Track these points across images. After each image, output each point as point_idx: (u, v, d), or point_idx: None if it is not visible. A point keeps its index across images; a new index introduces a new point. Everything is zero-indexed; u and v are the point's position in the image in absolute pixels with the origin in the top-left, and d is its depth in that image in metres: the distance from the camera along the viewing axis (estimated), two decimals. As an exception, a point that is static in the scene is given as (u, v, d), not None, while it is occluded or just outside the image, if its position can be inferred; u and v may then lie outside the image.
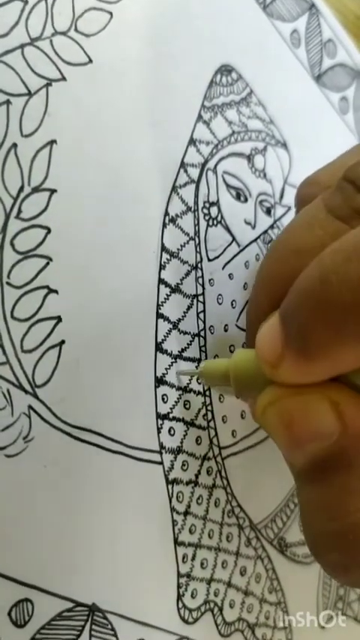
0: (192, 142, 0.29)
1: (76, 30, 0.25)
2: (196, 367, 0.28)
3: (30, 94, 0.24)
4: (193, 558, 0.28)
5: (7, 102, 0.23)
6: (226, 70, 0.31)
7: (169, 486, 0.27)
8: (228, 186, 0.30)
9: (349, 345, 0.19)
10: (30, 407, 0.23)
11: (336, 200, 0.22)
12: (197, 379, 0.28)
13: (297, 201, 0.27)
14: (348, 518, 0.20)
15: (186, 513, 0.28)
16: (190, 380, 0.28)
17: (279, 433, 0.21)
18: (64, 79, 0.25)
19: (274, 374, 0.21)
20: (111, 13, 0.26)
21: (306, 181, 0.27)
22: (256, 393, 0.22)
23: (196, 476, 0.28)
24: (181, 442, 0.28)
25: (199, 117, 0.29)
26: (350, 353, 0.19)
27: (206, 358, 0.29)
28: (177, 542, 0.27)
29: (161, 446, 0.27)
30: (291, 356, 0.20)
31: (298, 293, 0.20)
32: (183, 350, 0.28)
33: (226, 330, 0.30)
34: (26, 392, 0.23)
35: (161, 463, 0.27)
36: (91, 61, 0.26)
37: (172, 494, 0.27)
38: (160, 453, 0.27)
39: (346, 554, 0.21)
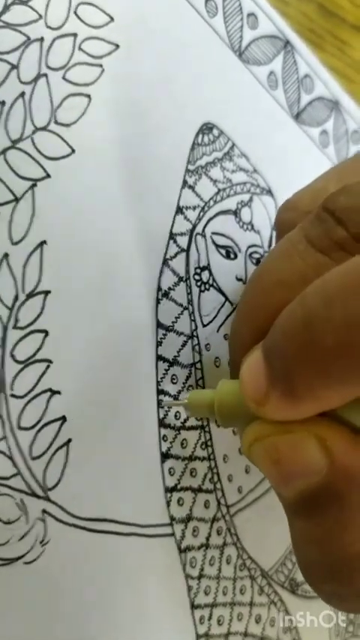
0: (179, 210, 0.29)
1: (56, 122, 0.25)
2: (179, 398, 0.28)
3: (17, 200, 0.24)
4: (210, 618, 0.29)
5: (-5, 212, 0.23)
6: (207, 128, 0.30)
7: (182, 555, 0.28)
8: (217, 246, 0.30)
9: (334, 386, 0.19)
10: (44, 511, 0.24)
11: (315, 231, 0.22)
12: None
13: (276, 227, 0.27)
14: (341, 551, 0.21)
15: (200, 577, 0.29)
16: (194, 447, 0.29)
17: (267, 468, 0.22)
18: (48, 176, 0.25)
19: (261, 411, 0.21)
20: (89, 96, 0.26)
21: (284, 206, 0.27)
22: (242, 424, 0.22)
23: (207, 539, 0.29)
24: (190, 509, 0.28)
25: (184, 183, 0.29)
26: (336, 393, 0.19)
27: (209, 428, 0.29)
28: (193, 606, 0.28)
29: (171, 518, 0.28)
30: (276, 395, 0.20)
31: (281, 333, 0.20)
32: (185, 420, 0.28)
33: (225, 391, 0.30)
34: (39, 497, 0.24)
35: (173, 534, 0.28)
36: (73, 151, 0.25)
37: (186, 561, 0.28)
38: (171, 525, 0.28)
39: (341, 585, 0.21)
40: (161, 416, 0.28)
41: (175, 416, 0.28)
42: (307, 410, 0.20)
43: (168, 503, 0.28)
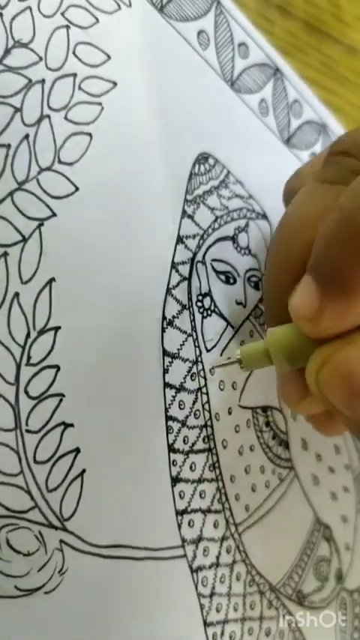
0: (179, 240, 0.30)
1: (59, 162, 0.26)
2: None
3: (25, 240, 0.24)
4: (222, 634, 0.30)
5: (5, 254, 0.24)
6: (203, 158, 0.31)
7: (194, 575, 0.29)
8: (217, 272, 0.31)
9: None
10: (61, 541, 0.24)
11: (328, 171, 0.24)
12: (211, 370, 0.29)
13: (285, 196, 0.29)
14: None
15: (211, 595, 0.30)
16: (203, 469, 0.29)
17: (338, 389, 0.22)
18: (54, 215, 0.25)
19: (318, 330, 0.22)
20: (90, 134, 0.27)
21: (291, 178, 0.29)
22: (301, 363, 0.23)
23: (217, 557, 0.30)
24: (201, 530, 0.29)
25: (184, 212, 0.30)
26: None
27: (216, 450, 0.30)
28: (206, 624, 0.29)
29: (183, 540, 0.28)
30: (330, 302, 0.21)
31: (325, 240, 0.21)
32: (193, 444, 0.29)
33: (230, 413, 0.31)
34: (56, 528, 0.24)
35: (185, 556, 0.28)
36: (77, 188, 0.26)
37: (198, 581, 0.29)
38: (183, 547, 0.28)
39: None
40: (170, 441, 0.28)
41: (184, 440, 0.29)
42: None
43: (179, 526, 0.28)
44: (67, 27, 0.27)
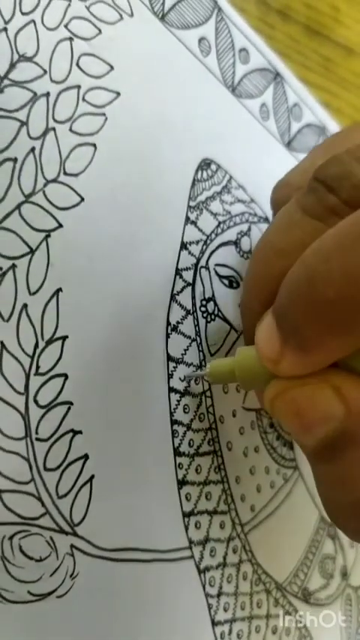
0: (183, 246, 0.30)
1: (65, 173, 0.26)
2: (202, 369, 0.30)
3: (32, 251, 0.25)
4: (230, 633, 0.30)
5: (13, 266, 0.24)
6: (205, 164, 0.32)
7: (202, 575, 0.29)
8: (220, 277, 0.32)
9: (341, 336, 0.21)
10: (72, 546, 0.25)
11: (309, 201, 0.23)
12: (195, 380, 0.30)
13: (272, 205, 0.29)
14: None
15: (219, 595, 0.30)
16: (208, 471, 0.30)
17: (289, 421, 0.23)
18: (60, 226, 0.26)
19: (277, 369, 0.23)
20: (94, 145, 0.27)
21: (278, 184, 0.29)
22: (262, 385, 0.24)
23: (224, 558, 0.31)
24: (207, 531, 0.30)
25: (187, 219, 0.30)
26: (343, 343, 0.21)
27: (221, 452, 0.31)
28: (214, 623, 0.30)
29: (190, 541, 0.29)
30: (290, 352, 0.22)
31: (287, 294, 0.22)
32: (198, 447, 0.30)
33: (234, 416, 0.32)
34: (67, 533, 0.25)
35: (192, 557, 0.29)
36: (82, 199, 0.27)
37: (205, 581, 0.29)
38: (190, 548, 0.29)
39: None
40: (176, 445, 0.29)
41: (189, 444, 0.29)
42: (319, 361, 0.22)
43: (186, 528, 0.29)
44: (71, 39, 0.27)
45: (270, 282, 0.24)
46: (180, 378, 0.29)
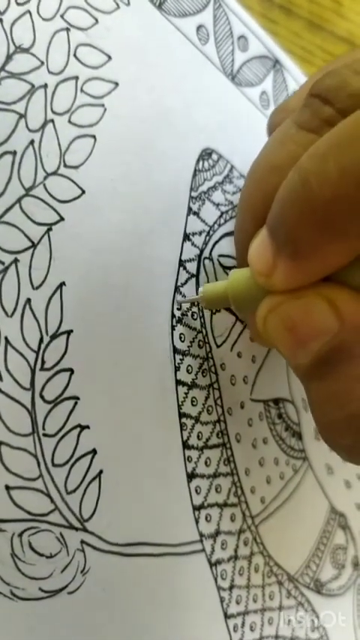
0: (186, 237, 0.30)
1: (65, 165, 0.26)
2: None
3: (34, 245, 0.25)
4: (243, 625, 0.30)
5: (15, 260, 0.24)
6: (206, 154, 0.31)
7: (213, 568, 0.29)
8: (224, 268, 0.31)
9: (335, 241, 0.20)
10: (82, 541, 0.25)
11: (304, 115, 0.23)
12: (196, 305, 0.30)
13: (268, 130, 0.29)
14: (353, 404, 0.23)
15: (231, 588, 0.30)
16: (218, 464, 0.30)
17: (282, 338, 0.23)
18: (62, 219, 0.25)
19: (269, 283, 0.22)
20: (94, 136, 0.27)
21: (276, 110, 0.28)
22: (255, 306, 0.23)
23: (235, 550, 0.30)
24: (218, 524, 0.30)
25: (189, 210, 0.30)
26: (338, 249, 0.21)
27: (230, 445, 0.30)
28: (227, 616, 0.30)
29: (201, 534, 0.29)
30: (283, 262, 0.22)
31: (281, 201, 0.21)
32: (207, 440, 0.30)
33: (242, 407, 0.31)
34: (77, 529, 0.25)
35: (203, 550, 0.29)
36: (83, 192, 0.26)
37: (217, 574, 0.29)
38: (201, 541, 0.29)
39: (357, 436, 0.23)
40: (185, 438, 0.29)
41: (198, 436, 0.29)
42: (314, 272, 0.22)
43: (197, 521, 0.29)
44: (67, 29, 0.27)
45: (264, 200, 0.23)
46: (177, 308, 0.29)
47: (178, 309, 0.29)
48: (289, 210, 0.21)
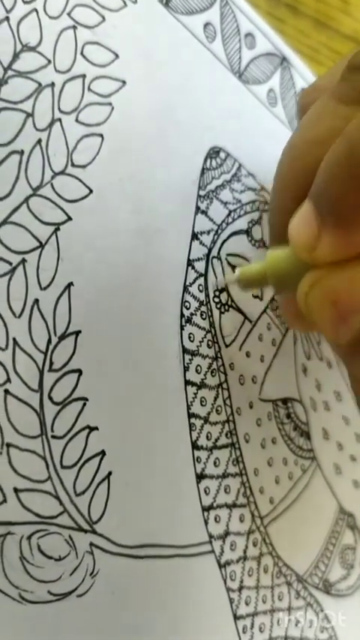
0: (194, 236, 0.30)
1: (72, 165, 0.26)
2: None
3: (42, 245, 0.24)
4: (252, 626, 0.30)
5: (23, 261, 0.24)
6: (214, 152, 0.31)
7: (222, 569, 0.29)
8: (233, 267, 0.31)
9: None
10: (91, 544, 0.24)
11: (343, 89, 0.23)
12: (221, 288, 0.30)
13: (299, 110, 0.28)
14: None
15: (240, 589, 0.30)
16: (227, 464, 0.30)
17: (324, 312, 0.22)
18: (70, 219, 0.25)
19: (313, 257, 0.22)
20: (101, 135, 0.27)
21: (306, 90, 0.28)
22: (295, 286, 0.23)
23: (244, 551, 0.30)
24: (227, 525, 0.29)
25: (197, 209, 0.30)
26: None
27: (239, 445, 0.30)
28: (236, 618, 0.29)
29: (210, 535, 0.29)
30: (328, 232, 0.21)
31: (327, 170, 0.21)
32: (216, 440, 0.29)
33: (251, 407, 0.31)
34: (86, 531, 0.24)
35: (212, 551, 0.29)
36: (91, 191, 0.26)
37: (226, 575, 0.29)
38: (210, 542, 0.29)
39: None
40: (194, 438, 0.28)
41: (207, 437, 0.29)
42: (359, 242, 0.21)
43: (206, 522, 0.29)
44: (74, 27, 0.26)
45: (305, 176, 0.23)
46: (214, 285, 0.29)
47: (215, 289, 0.29)
48: (334, 179, 0.20)
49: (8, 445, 0.23)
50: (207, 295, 0.30)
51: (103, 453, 0.25)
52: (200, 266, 0.30)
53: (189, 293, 0.29)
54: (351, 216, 0.20)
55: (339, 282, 0.21)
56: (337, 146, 0.21)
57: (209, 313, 0.30)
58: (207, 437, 0.29)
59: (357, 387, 0.24)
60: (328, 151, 0.21)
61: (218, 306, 0.30)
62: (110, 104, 0.27)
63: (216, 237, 0.31)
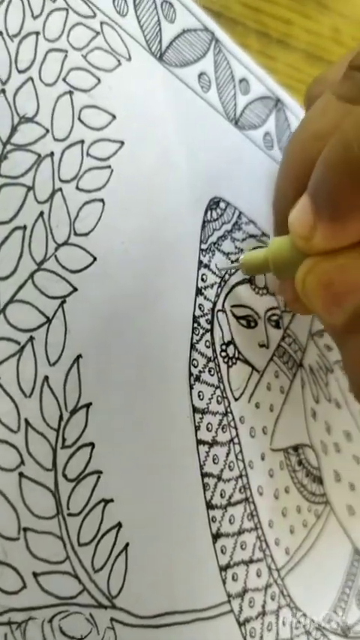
0: (198, 292, 0.29)
1: (75, 234, 0.25)
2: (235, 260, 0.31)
3: (49, 320, 0.24)
4: None
5: (31, 339, 0.24)
6: (214, 203, 0.31)
7: (242, 627, 0.29)
8: (238, 318, 0.31)
9: None
10: (112, 619, 0.24)
11: (345, 86, 0.24)
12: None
13: (306, 101, 0.29)
14: None
15: (260, 644, 0.29)
16: (242, 520, 0.29)
17: (319, 295, 0.24)
18: (75, 289, 0.25)
19: (309, 246, 0.23)
20: (102, 200, 0.26)
21: (314, 82, 0.29)
22: (294, 272, 0.24)
23: (263, 606, 0.30)
24: (245, 582, 0.29)
25: (200, 263, 0.30)
26: None
27: (252, 499, 0.30)
28: (258, 674, 0.29)
29: (228, 595, 0.28)
30: (322, 225, 0.23)
31: (323, 165, 0.22)
32: (230, 497, 0.29)
33: (263, 459, 0.31)
34: (106, 607, 0.24)
35: (231, 611, 0.28)
36: (95, 259, 0.26)
37: (246, 633, 0.29)
38: (229, 602, 0.28)
39: None
40: (208, 498, 0.28)
41: (221, 494, 0.29)
42: (351, 232, 0.22)
43: (224, 582, 0.28)
44: (71, 92, 0.26)
45: (306, 167, 0.24)
46: (216, 266, 0.30)
47: (219, 270, 0.30)
48: (330, 173, 0.22)
49: (25, 529, 0.22)
50: (214, 350, 0.29)
51: (119, 525, 0.25)
52: (206, 321, 0.29)
53: (196, 350, 0.29)
54: (344, 210, 0.22)
55: (332, 269, 0.23)
56: (333, 142, 0.22)
57: (217, 368, 0.29)
58: (221, 495, 0.29)
59: (349, 370, 0.25)
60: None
61: (225, 360, 0.30)
62: (109, 167, 0.27)
63: (220, 290, 0.30)
